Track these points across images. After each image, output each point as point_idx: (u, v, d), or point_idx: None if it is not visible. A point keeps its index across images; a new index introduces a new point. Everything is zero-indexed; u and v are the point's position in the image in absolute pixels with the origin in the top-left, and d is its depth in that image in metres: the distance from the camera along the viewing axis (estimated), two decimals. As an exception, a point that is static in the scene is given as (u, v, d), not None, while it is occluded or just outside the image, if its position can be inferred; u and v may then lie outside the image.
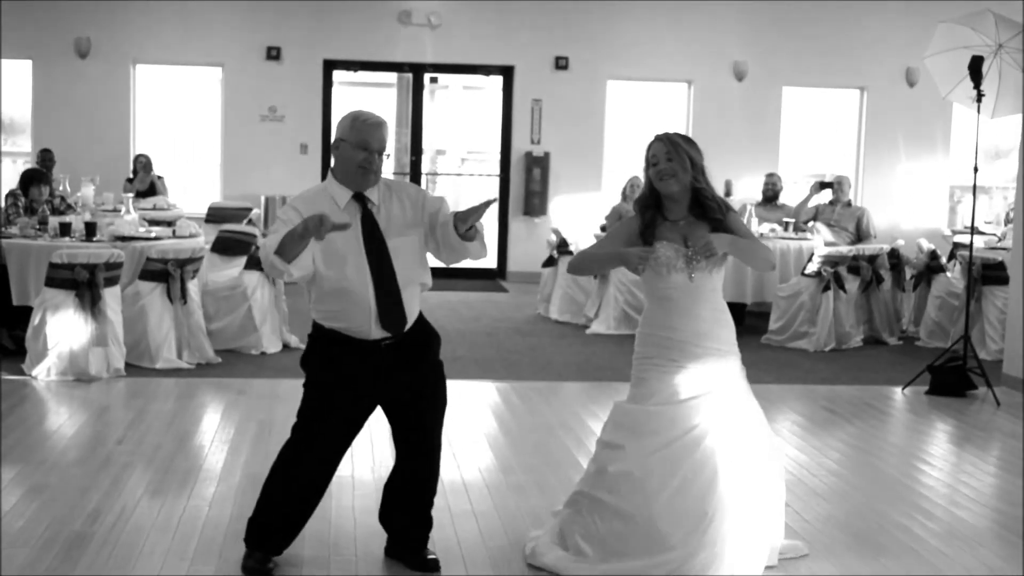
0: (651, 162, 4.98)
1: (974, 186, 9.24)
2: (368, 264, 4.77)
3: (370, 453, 6.74)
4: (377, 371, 4.83)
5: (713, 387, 4.94)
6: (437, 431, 5.06)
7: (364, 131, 4.77)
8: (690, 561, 4.82)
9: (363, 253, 4.77)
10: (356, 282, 4.76)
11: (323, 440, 4.89)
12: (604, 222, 12.36)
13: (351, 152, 4.76)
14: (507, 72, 16.22)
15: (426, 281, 4.99)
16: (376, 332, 4.80)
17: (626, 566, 4.86)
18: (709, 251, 4.85)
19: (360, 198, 4.82)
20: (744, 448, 4.94)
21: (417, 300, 4.94)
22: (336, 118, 15.83)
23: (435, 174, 18.93)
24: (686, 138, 5.02)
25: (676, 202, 4.99)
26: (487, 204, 4.73)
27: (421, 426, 5.00)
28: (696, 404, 4.92)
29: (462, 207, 4.84)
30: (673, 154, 4.94)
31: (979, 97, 8.92)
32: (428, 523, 5.14)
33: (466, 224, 4.74)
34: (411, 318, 4.88)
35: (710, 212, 4.97)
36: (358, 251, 4.77)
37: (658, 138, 5.02)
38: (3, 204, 10.98)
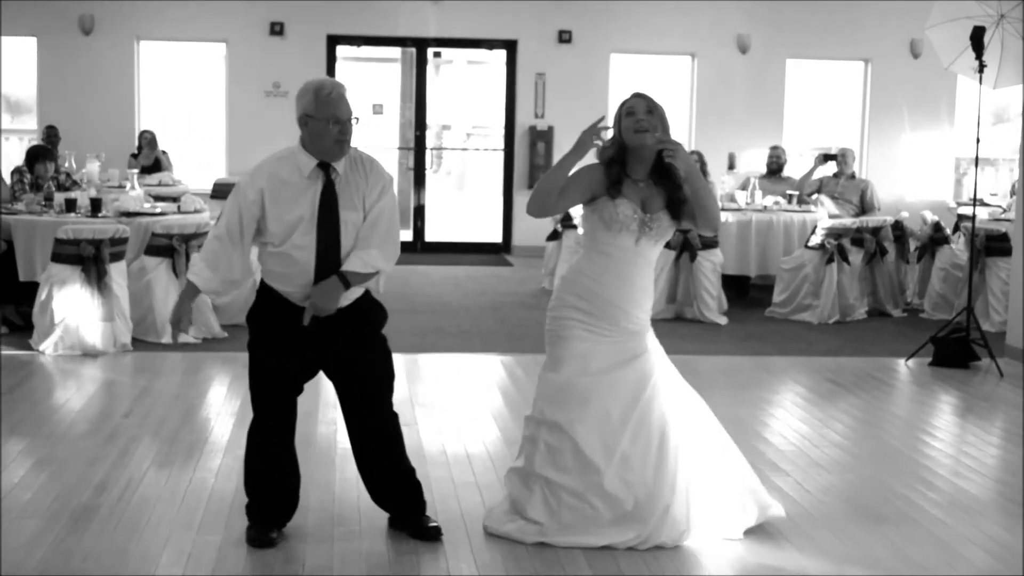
0: (627, 112, 4.96)
1: (976, 157, 9.24)
2: (316, 234, 4.80)
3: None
4: (311, 337, 4.87)
5: (638, 351, 5.04)
6: (381, 403, 5.06)
7: (331, 104, 4.77)
8: (655, 530, 4.92)
9: (314, 222, 4.80)
10: (301, 249, 4.80)
11: (267, 401, 4.95)
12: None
13: (323, 128, 4.77)
14: (510, 46, 16.20)
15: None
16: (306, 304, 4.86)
17: (587, 540, 4.94)
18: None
19: (324, 166, 4.83)
20: (687, 409, 5.05)
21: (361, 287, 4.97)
22: (340, 93, 15.94)
23: (440, 149, 18.93)
24: (661, 107, 5.00)
25: (642, 161, 4.99)
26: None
27: (364, 400, 5.02)
28: (631, 370, 5.00)
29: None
30: (652, 108, 4.95)
31: (981, 68, 8.90)
32: (415, 491, 5.16)
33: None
34: (348, 297, 4.90)
35: (672, 178, 4.97)
36: (310, 219, 4.80)
37: (635, 94, 5.03)
38: (9, 181, 11.01)
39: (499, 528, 5.11)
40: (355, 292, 4.94)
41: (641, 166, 5.02)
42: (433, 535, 5.09)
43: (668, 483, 4.95)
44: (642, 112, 4.95)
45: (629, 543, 4.94)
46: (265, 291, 4.94)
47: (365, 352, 5.00)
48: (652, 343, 5.13)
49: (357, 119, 4.88)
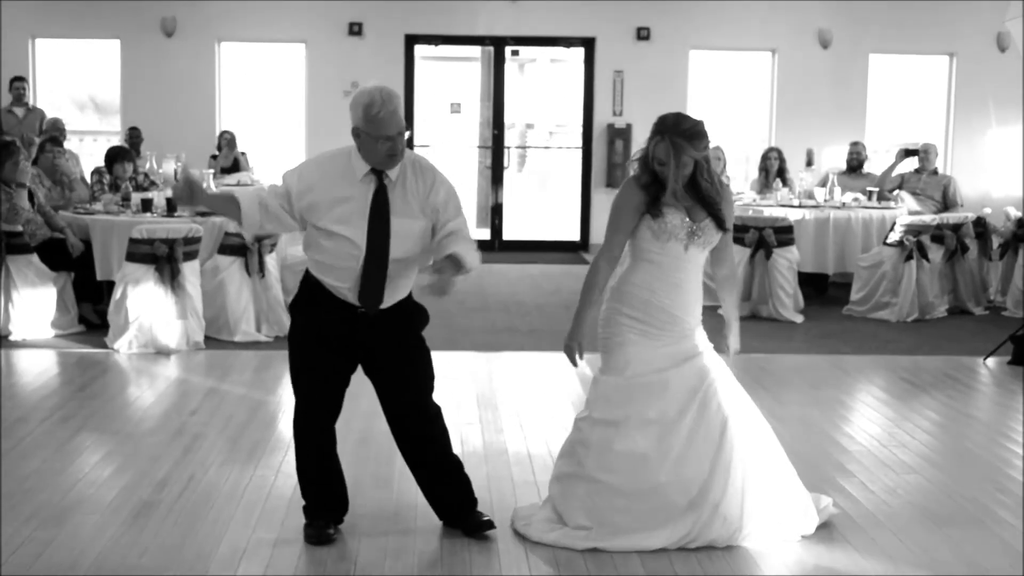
0: (659, 161, 4.86)
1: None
2: (367, 238, 4.82)
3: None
4: (351, 333, 4.90)
5: (691, 352, 4.99)
6: (422, 402, 5.06)
7: (380, 124, 4.75)
8: (704, 525, 4.88)
9: (365, 226, 4.82)
10: (350, 250, 4.82)
11: (308, 392, 4.98)
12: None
13: (372, 144, 4.78)
14: (588, 44, 16.14)
15: (417, 267, 5.01)
16: (352, 299, 4.88)
17: (639, 543, 4.89)
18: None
19: (377, 172, 4.85)
20: (739, 411, 4.98)
21: (408, 282, 4.98)
22: (419, 93, 16.03)
23: (525, 147, 18.91)
24: (690, 133, 4.83)
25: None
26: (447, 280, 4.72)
27: (403, 399, 5.03)
28: (685, 370, 4.96)
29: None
30: (675, 158, 4.82)
31: (1063, 60, 8.70)
32: (464, 486, 5.17)
33: (436, 272, 4.73)
34: (391, 300, 4.92)
35: (709, 200, 4.94)
36: (361, 223, 4.82)
37: (663, 136, 4.84)
38: (90, 181, 11.20)
39: (543, 537, 5.05)
40: (402, 291, 4.95)
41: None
42: (485, 527, 5.08)
43: (722, 481, 4.89)
44: (672, 167, 4.82)
45: (680, 542, 4.89)
46: (311, 282, 4.96)
47: (406, 352, 5.01)
48: (704, 344, 5.08)
49: (409, 131, 4.89)
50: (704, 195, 4.95)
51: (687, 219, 4.92)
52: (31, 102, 14.51)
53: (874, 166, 13.58)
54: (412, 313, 5.05)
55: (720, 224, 4.97)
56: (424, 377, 5.06)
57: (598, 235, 15.85)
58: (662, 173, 4.88)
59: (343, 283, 4.86)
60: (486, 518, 5.12)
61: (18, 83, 13.86)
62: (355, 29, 15.81)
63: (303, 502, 5.12)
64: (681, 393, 4.95)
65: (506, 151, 16.67)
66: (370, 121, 4.75)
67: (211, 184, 10.86)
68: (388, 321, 4.93)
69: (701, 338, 5.09)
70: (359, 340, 4.92)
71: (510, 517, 5.27)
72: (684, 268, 4.97)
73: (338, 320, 4.89)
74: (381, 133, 4.75)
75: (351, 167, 4.86)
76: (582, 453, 5.07)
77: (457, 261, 4.73)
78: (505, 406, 7.45)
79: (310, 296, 4.97)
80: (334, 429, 5.08)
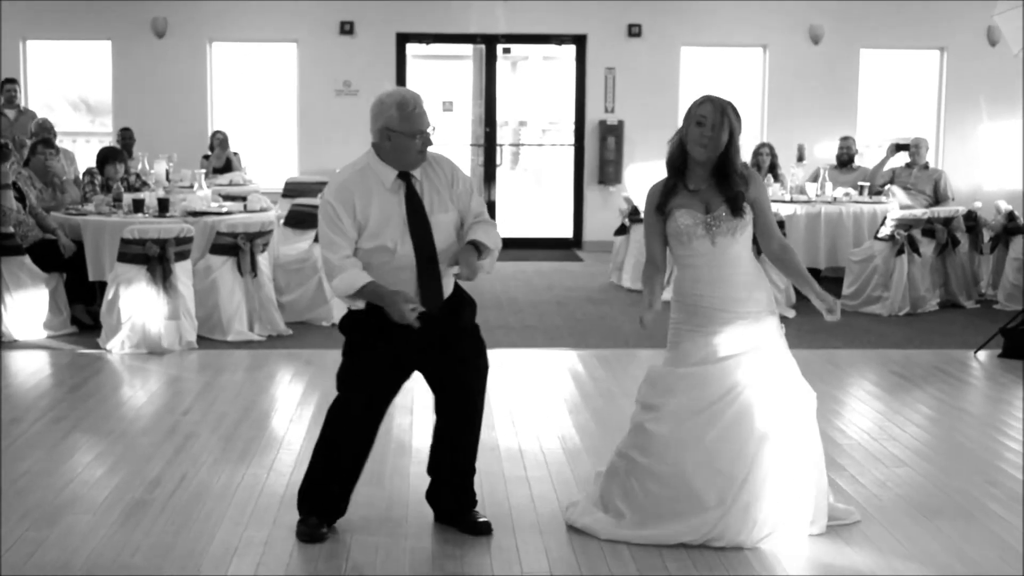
0: (698, 121, 4.89)
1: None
2: (412, 241, 4.86)
3: (429, 421, 6.77)
4: (412, 338, 4.87)
5: (747, 347, 4.93)
6: (479, 395, 5.11)
7: (416, 119, 4.85)
8: (724, 521, 4.84)
9: (407, 230, 4.85)
10: (400, 258, 4.86)
11: (362, 404, 4.97)
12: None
13: (408, 142, 4.85)
14: (579, 41, 16.13)
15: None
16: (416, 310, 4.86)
17: (662, 532, 4.90)
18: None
19: (405, 175, 4.90)
20: (779, 410, 4.93)
21: (452, 274, 5.00)
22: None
23: (518, 145, 18.91)
24: (734, 107, 4.94)
25: (701, 166, 4.95)
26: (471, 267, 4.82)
27: (463, 391, 5.06)
28: (730, 365, 4.92)
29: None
30: (719, 125, 4.87)
31: (1051, 53, 8.73)
32: (470, 489, 5.20)
33: (465, 258, 4.82)
34: (447, 293, 4.97)
35: (731, 184, 4.93)
36: (402, 228, 4.86)
37: (711, 100, 4.93)
38: (81, 182, 11.21)
39: (578, 520, 5.11)
40: (450, 283, 5.01)
41: (700, 170, 4.97)
42: (484, 530, 5.10)
43: (757, 483, 4.85)
44: (709, 127, 4.86)
45: (703, 538, 4.87)
46: (361, 314, 4.95)
47: (464, 347, 5.05)
48: (766, 338, 4.99)
49: (434, 128, 4.94)
50: (729, 175, 4.92)
51: (700, 214, 4.92)
52: (23, 104, 14.50)
53: (865, 161, 13.61)
54: (462, 302, 5.08)
55: (735, 210, 4.92)
56: (482, 372, 5.10)
57: (591, 232, 15.91)
58: (696, 139, 4.87)
59: (414, 304, 4.81)
60: (483, 519, 5.13)
61: (9, 85, 13.85)
62: (346, 28, 15.80)
63: (297, 499, 5.11)
64: (720, 385, 4.91)
65: (499, 149, 16.68)
66: (405, 119, 4.82)
67: (202, 183, 10.86)
68: (443, 314, 4.95)
69: (765, 329, 5.00)
70: (418, 340, 4.89)
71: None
72: (721, 263, 4.93)
73: (394, 326, 4.81)
74: (416, 129, 4.84)
75: (378, 178, 4.89)
76: (627, 433, 5.14)
77: (478, 246, 4.86)
78: (497, 402, 7.45)
79: (363, 312, 4.94)
80: (373, 440, 5.10)
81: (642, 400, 5.09)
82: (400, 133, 4.84)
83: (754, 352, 4.95)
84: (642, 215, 5.21)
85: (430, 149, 4.99)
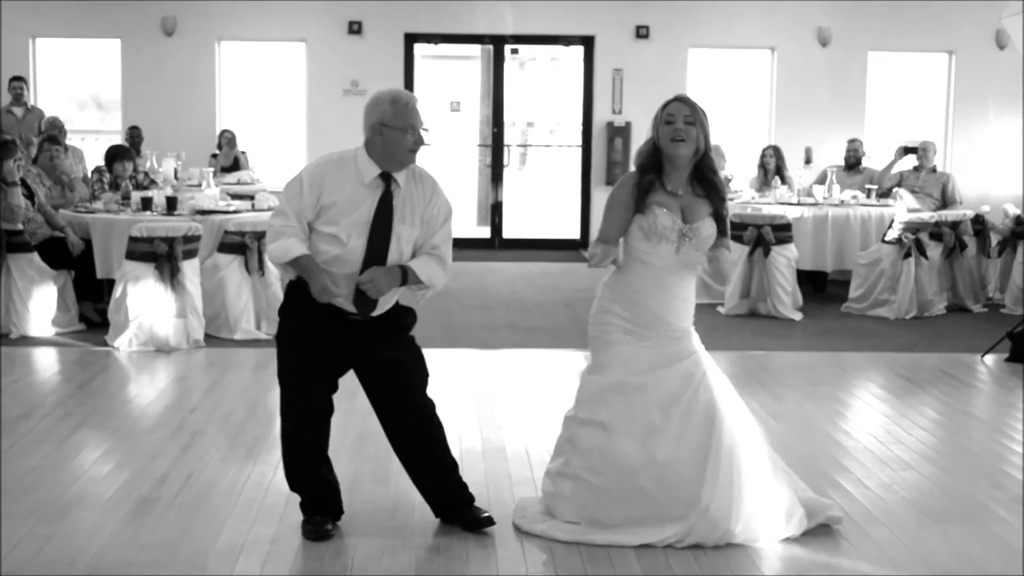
0: (665, 120, 4.88)
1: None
2: (367, 242, 4.85)
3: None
4: (343, 334, 4.92)
5: (682, 355, 4.96)
6: (417, 399, 5.08)
7: (409, 114, 4.84)
8: (693, 529, 4.84)
9: (367, 230, 4.85)
10: (348, 253, 4.85)
11: (301, 390, 4.99)
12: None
13: (399, 137, 4.83)
14: (587, 42, 16.14)
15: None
16: (346, 304, 4.89)
17: (624, 539, 4.90)
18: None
19: (386, 177, 4.88)
20: (728, 413, 4.95)
21: (400, 291, 5.00)
22: (419, 91, 16.02)
23: (526, 146, 18.91)
24: (702, 108, 4.93)
25: (678, 169, 4.93)
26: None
27: (398, 397, 5.05)
28: (671, 373, 4.92)
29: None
30: (693, 118, 4.87)
31: (1059, 57, 8.72)
32: (459, 482, 5.20)
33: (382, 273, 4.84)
34: (384, 307, 4.96)
35: (716, 189, 4.93)
36: (364, 227, 4.85)
37: (678, 97, 4.95)
38: (90, 180, 11.23)
39: (531, 527, 5.09)
40: (391, 299, 5.00)
41: (677, 175, 4.95)
42: (485, 524, 5.10)
43: (711, 485, 4.86)
44: (681, 121, 4.87)
45: (667, 541, 4.89)
46: (300, 286, 4.95)
47: (396, 353, 5.03)
48: (697, 346, 5.06)
49: (427, 129, 4.94)
50: (708, 183, 4.93)
51: (679, 221, 4.92)
52: (31, 102, 14.53)
53: (873, 163, 13.59)
54: (399, 315, 5.08)
55: (722, 228, 4.95)
56: (418, 375, 5.08)
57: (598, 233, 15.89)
58: (667, 136, 4.86)
59: (340, 285, 4.86)
60: (485, 514, 5.14)
61: (16, 83, 13.87)
62: (355, 28, 15.82)
63: (300, 499, 5.14)
64: (666, 397, 4.92)
65: (506, 149, 16.68)
66: (399, 112, 4.82)
67: (210, 182, 10.88)
68: (377, 324, 4.96)
69: (692, 341, 5.06)
70: (349, 344, 4.95)
71: (513, 509, 5.31)
72: (674, 271, 4.94)
73: (328, 324, 4.90)
74: (409, 123, 4.82)
75: (358, 171, 4.88)
76: (570, 451, 5.10)
77: (406, 272, 4.86)
78: (504, 403, 7.47)
79: (299, 300, 4.95)
80: (329, 429, 5.09)
81: (585, 417, 5.05)
82: (392, 127, 4.82)
83: (692, 357, 4.98)
84: (607, 202, 5.04)
85: (419, 163, 4.99)
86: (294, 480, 5.13)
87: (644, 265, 4.95)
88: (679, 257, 4.92)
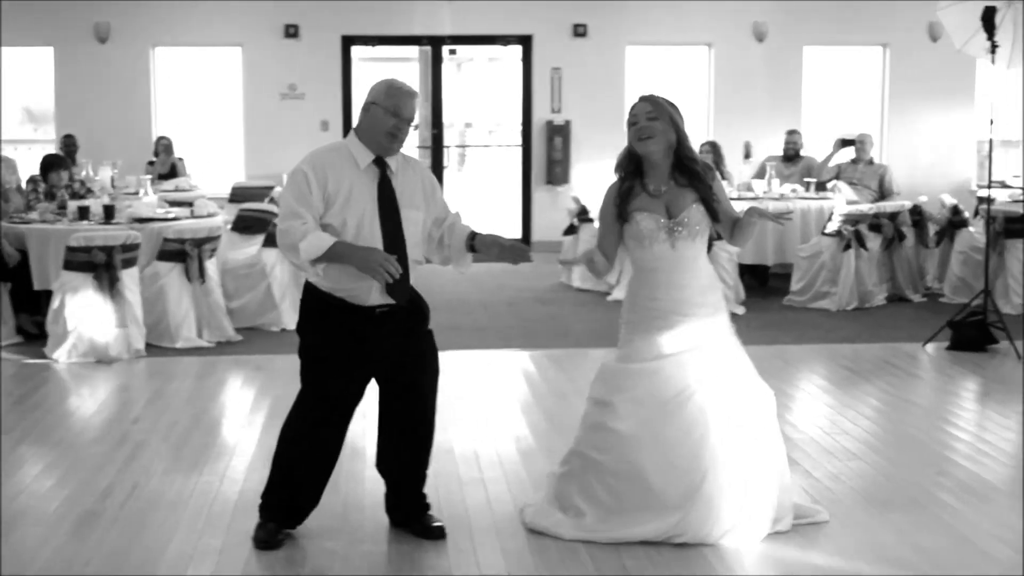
0: (631, 121, 4.95)
1: (990, 140, 9.15)
2: (381, 230, 4.82)
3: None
4: (372, 337, 4.86)
5: (699, 343, 4.95)
6: (431, 396, 5.10)
7: (398, 98, 4.84)
8: (686, 519, 4.84)
9: (377, 219, 4.82)
10: (366, 243, 4.79)
11: (327, 407, 4.93)
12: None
13: (382, 117, 4.82)
14: (525, 41, 16.14)
15: (420, 258, 5.04)
16: (375, 298, 4.83)
17: (625, 532, 4.89)
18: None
19: (380, 162, 4.87)
20: (737, 406, 4.94)
21: (413, 273, 4.98)
22: (356, 94, 15.95)
23: (464, 146, 18.88)
24: (669, 101, 4.98)
25: (656, 167, 4.96)
26: (520, 254, 5.03)
27: (415, 391, 5.03)
28: (682, 359, 4.93)
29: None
30: (656, 113, 4.91)
31: (993, 48, 8.82)
32: (424, 493, 5.19)
33: (488, 249, 4.98)
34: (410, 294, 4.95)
35: (698, 176, 4.95)
36: (372, 217, 4.82)
37: (641, 98, 5.00)
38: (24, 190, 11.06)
39: (537, 523, 5.10)
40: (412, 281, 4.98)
41: (657, 172, 4.98)
42: (437, 535, 5.07)
43: (718, 478, 4.85)
44: (643, 119, 4.91)
45: (666, 534, 4.86)
46: (317, 299, 4.89)
47: (421, 346, 5.03)
48: (717, 334, 5.01)
49: (416, 126, 4.92)
50: (691, 168, 4.94)
51: (663, 219, 4.92)
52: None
53: (811, 155, 13.68)
54: (421, 305, 5.05)
55: (712, 214, 4.96)
56: (433, 375, 5.11)
57: (540, 232, 15.91)
58: (633, 137, 4.89)
59: (363, 286, 4.78)
60: (438, 523, 5.11)
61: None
62: (291, 31, 15.72)
63: (260, 504, 5.05)
64: (676, 381, 4.91)
65: (445, 150, 16.64)
66: (391, 95, 4.83)
67: (148, 190, 10.76)
68: (402, 314, 4.92)
69: (716, 326, 5.02)
70: (378, 339, 4.87)
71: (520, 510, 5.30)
72: (679, 267, 4.95)
73: (353, 325, 4.83)
74: (395, 105, 4.81)
75: (352, 157, 4.86)
76: (580, 431, 5.12)
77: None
78: (451, 404, 7.41)
79: (320, 311, 4.89)
80: (341, 443, 5.06)
81: (595, 396, 5.09)
82: (379, 106, 4.82)
83: (707, 347, 4.97)
84: (598, 214, 5.19)
85: (414, 150, 5.00)
86: (280, 486, 5.01)
87: (650, 271, 4.99)
88: (677, 253, 4.94)
